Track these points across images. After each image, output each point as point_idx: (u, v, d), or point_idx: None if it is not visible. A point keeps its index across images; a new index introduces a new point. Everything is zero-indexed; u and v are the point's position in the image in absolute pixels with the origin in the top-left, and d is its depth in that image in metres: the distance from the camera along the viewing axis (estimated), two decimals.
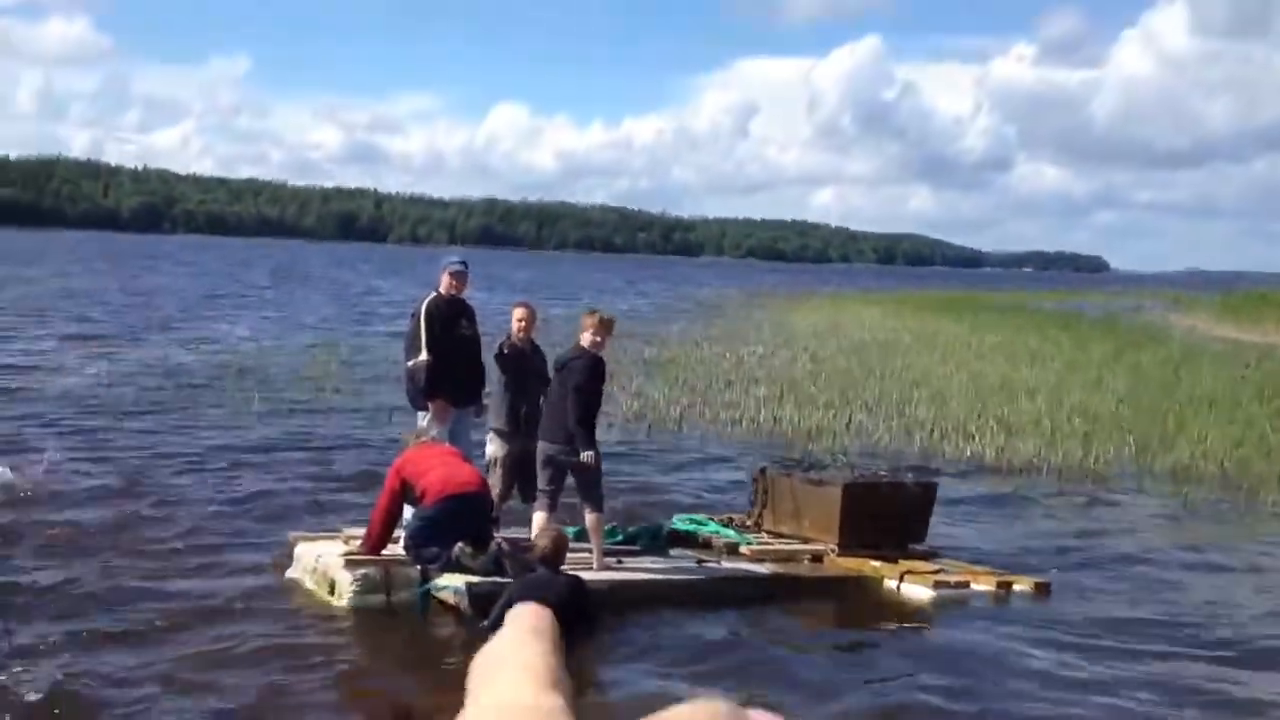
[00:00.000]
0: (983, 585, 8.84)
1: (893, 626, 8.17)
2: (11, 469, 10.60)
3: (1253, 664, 7.67)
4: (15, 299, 33.09)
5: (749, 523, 9.92)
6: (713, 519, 9.94)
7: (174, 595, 7.76)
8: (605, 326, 8.30)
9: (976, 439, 15.39)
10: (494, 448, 9.06)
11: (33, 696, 5.90)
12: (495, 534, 8.04)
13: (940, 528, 10.58)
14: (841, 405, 17.89)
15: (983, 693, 6.88)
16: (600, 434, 13.94)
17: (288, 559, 8.29)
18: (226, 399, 16.26)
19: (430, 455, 7.94)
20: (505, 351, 8.86)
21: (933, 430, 15.97)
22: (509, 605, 6.88)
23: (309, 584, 7.96)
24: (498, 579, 7.38)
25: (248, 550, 8.86)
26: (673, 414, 16.83)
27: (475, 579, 7.41)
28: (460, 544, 7.48)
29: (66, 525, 9.15)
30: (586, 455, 8.03)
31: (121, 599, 7.54)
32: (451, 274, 8.99)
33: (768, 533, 9.73)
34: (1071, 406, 18.26)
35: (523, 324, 8.89)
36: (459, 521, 7.58)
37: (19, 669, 6.20)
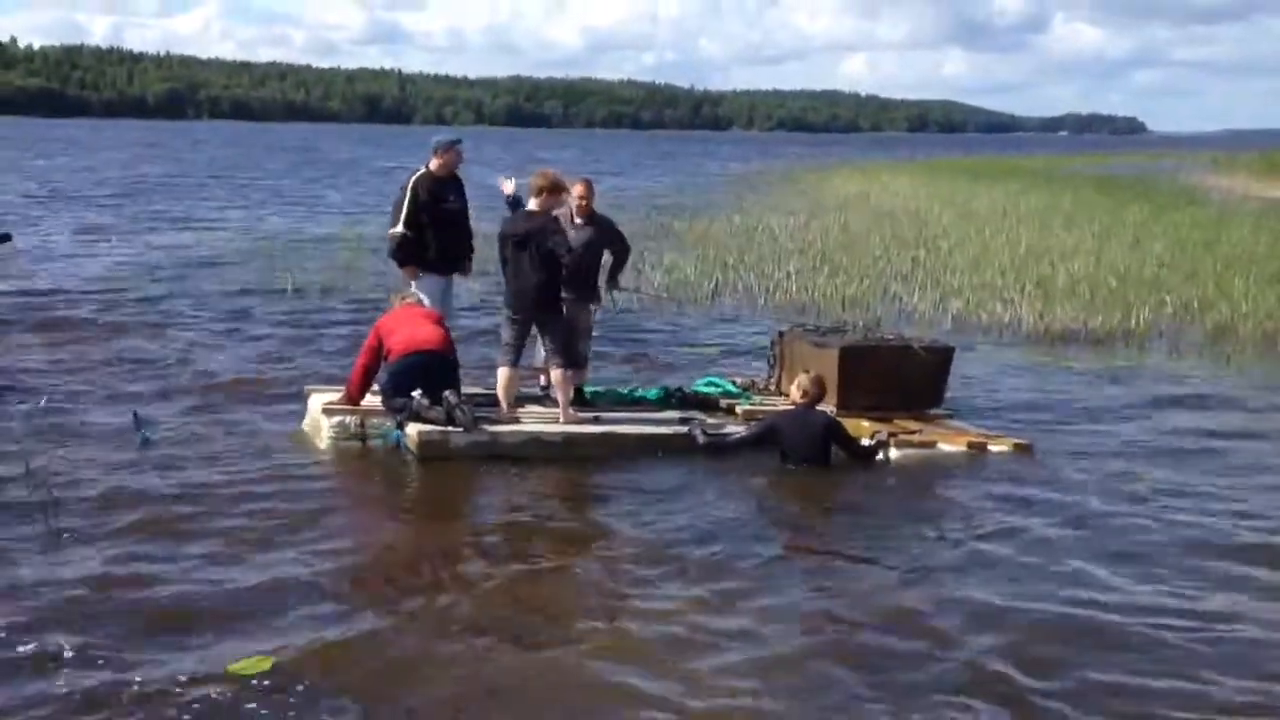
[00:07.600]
0: (952, 446, 8.81)
1: (836, 479, 8.27)
2: None
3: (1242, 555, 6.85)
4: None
5: (769, 385, 9.98)
6: (733, 381, 10.04)
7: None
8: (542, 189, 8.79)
9: (1014, 305, 15.20)
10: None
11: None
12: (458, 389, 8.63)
13: (970, 391, 10.65)
14: (876, 275, 17.71)
15: (858, 537, 7.12)
16: (630, 306, 14.00)
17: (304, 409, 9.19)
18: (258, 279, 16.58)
19: (403, 316, 8.75)
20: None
21: (969, 298, 15.78)
22: (771, 429, 7.88)
23: (308, 430, 8.87)
24: (448, 428, 8.26)
25: (276, 402, 9.86)
26: (705, 288, 16.71)
27: (428, 427, 8.28)
28: (418, 396, 8.30)
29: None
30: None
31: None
32: (445, 151, 9.46)
33: (785, 395, 9.72)
34: (1109, 270, 18.00)
35: (582, 201, 9.32)
36: (417, 377, 8.36)
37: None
